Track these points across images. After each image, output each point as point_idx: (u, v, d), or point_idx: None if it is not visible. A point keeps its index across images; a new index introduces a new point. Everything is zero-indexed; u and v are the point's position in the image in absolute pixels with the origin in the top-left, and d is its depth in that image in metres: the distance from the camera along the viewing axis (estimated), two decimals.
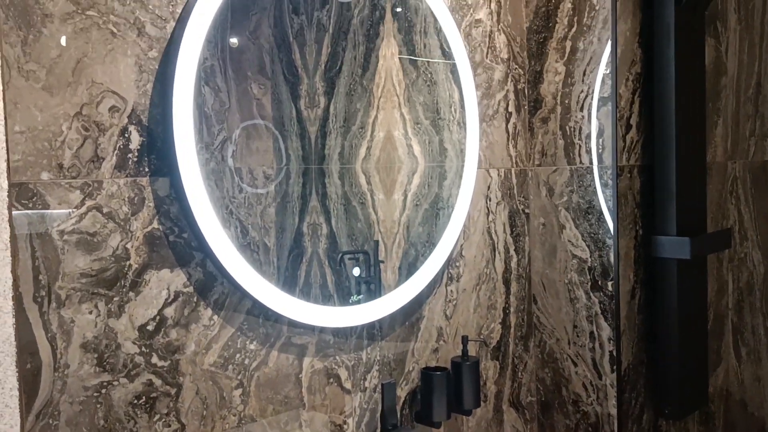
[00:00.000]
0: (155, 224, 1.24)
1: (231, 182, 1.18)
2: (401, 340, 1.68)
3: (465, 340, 1.71)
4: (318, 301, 1.44)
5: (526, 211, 2.00)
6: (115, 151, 1.19)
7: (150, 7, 1.22)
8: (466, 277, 1.84)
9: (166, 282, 1.26)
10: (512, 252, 1.97)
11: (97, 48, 1.16)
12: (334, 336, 1.54)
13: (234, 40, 1.16)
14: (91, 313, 1.16)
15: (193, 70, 1.21)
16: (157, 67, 1.23)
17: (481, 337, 1.88)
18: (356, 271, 1.55)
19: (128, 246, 1.21)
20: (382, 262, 1.52)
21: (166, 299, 1.26)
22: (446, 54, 1.60)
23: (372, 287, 1.53)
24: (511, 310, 1.97)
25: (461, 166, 1.71)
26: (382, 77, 1.35)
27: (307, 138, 1.23)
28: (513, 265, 1.97)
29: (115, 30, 1.18)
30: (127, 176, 1.20)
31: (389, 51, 1.37)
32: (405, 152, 1.44)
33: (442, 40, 1.58)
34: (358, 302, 1.54)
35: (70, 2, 1.12)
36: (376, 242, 1.43)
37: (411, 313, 1.70)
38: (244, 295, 1.36)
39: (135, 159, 1.21)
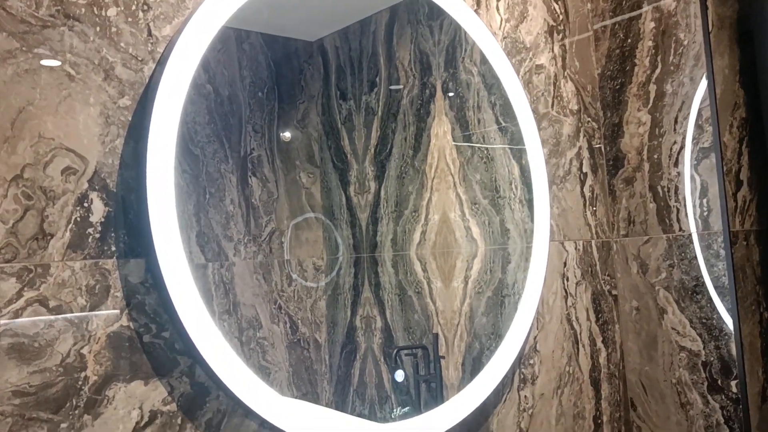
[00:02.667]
0: (124, 321, 0.94)
1: (280, 275, 1.08)
2: None
3: None
4: (349, 407, 1.11)
5: (614, 292, 1.62)
6: (70, 226, 0.91)
7: (122, 45, 0.96)
8: (543, 378, 1.45)
9: (137, 399, 0.94)
10: (599, 344, 1.58)
11: (48, 94, 0.90)
12: None
13: (284, 133, 1.13)
14: None
15: (176, 119, 0.94)
16: (130, 118, 0.97)
17: None
18: (399, 376, 1.20)
19: (84, 351, 0.90)
20: (443, 357, 1.29)
21: (138, 423, 0.94)
22: (502, 125, 1.44)
23: (433, 386, 1.25)
24: (604, 419, 1.56)
25: (527, 245, 1.38)
26: (434, 157, 1.32)
27: (357, 225, 1.20)
28: (602, 360, 1.57)
29: (72, 72, 0.92)
30: (85, 258, 0.91)
31: (441, 129, 1.34)
32: (463, 235, 1.35)
33: (497, 111, 1.44)
34: (404, 415, 1.18)
35: (13, 38, 0.88)
36: (436, 335, 1.29)
37: (475, 427, 1.33)
38: (248, 412, 1.03)
39: (97, 235, 0.93)
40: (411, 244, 1.28)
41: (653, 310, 1.56)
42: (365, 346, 1.21)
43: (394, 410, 1.19)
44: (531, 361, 1.44)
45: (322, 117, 1.16)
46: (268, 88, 1.10)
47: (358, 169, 1.20)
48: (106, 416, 0.92)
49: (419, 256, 1.29)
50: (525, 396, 1.42)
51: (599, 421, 1.55)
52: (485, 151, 1.40)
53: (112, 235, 0.95)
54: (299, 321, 1.09)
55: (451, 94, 1.36)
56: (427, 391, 1.23)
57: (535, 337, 1.46)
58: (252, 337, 1.02)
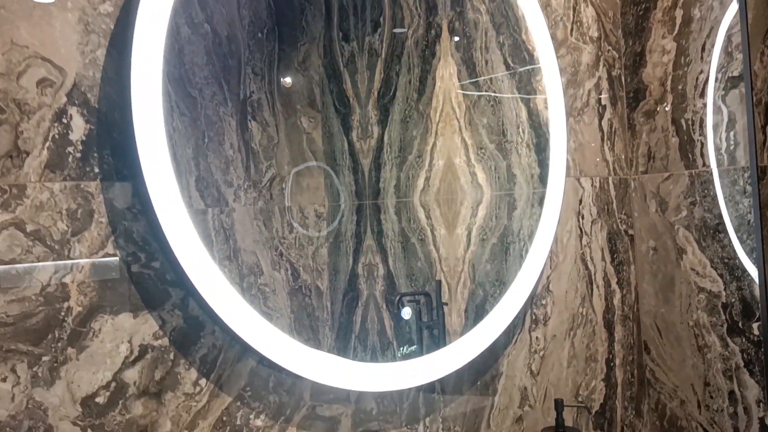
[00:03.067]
0: (110, 248, 0.87)
1: (281, 222, 1.04)
2: (472, 407, 1.24)
3: (560, 406, 1.26)
4: (351, 353, 1.05)
5: (630, 232, 1.54)
6: (47, 143, 0.83)
7: None
8: (555, 320, 1.39)
9: (126, 332, 0.88)
10: (614, 286, 1.51)
11: None
12: (377, 404, 1.11)
13: (285, 79, 1.07)
14: (5, 380, 0.79)
15: (163, 28, 0.85)
16: (112, 27, 0.88)
17: (581, 401, 1.42)
18: (406, 313, 1.14)
19: (66, 280, 0.83)
20: (446, 304, 1.26)
21: (127, 357, 0.88)
22: (510, 66, 1.36)
23: (435, 333, 1.21)
24: (617, 362, 1.50)
25: (534, 190, 1.31)
26: (439, 100, 1.28)
27: (360, 172, 1.18)
28: (616, 302, 1.51)
29: None
30: (65, 179, 0.84)
31: (447, 71, 1.29)
32: (468, 181, 1.32)
33: (505, 52, 1.36)
34: (409, 355, 1.12)
35: None
36: (439, 282, 1.27)
37: (484, 368, 1.27)
38: (246, 349, 0.96)
39: (78, 155, 0.85)
40: (414, 190, 1.25)
41: (671, 250, 1.49)
42: (367, 293, 1.19)
43: (400, 349, 1.13)
44: (543, 302, 1.38)
45: (324, 59, 1.13)
46: (268, 29, 1.06)
47: (360, 113, 1.18)
48: (91, 350, 0.85)
49: (423, 202, 1.27)
50: (536, 337, 1.36)
51: (612, 364, 1.49)
52: (492, 94, 1.35)
53: (95, 155, 0.86)
54: (300, 268, 1.05)
55: (456, 38, 1.30)
56: (430, 338, 1.20)
57: (548, 277, 1.39)
58: (253, 284, 0.98)
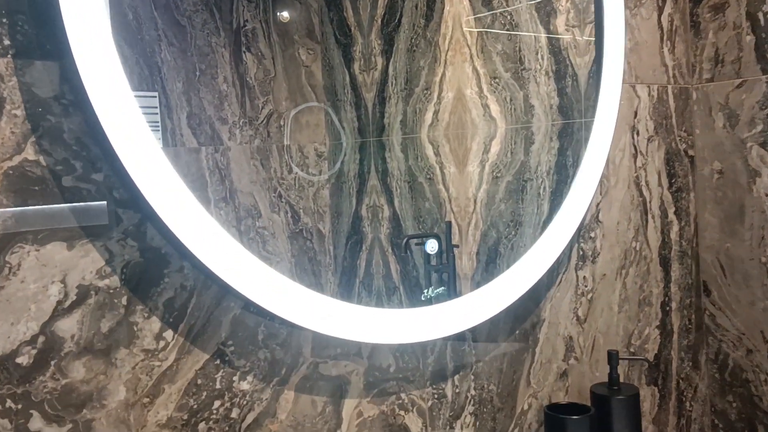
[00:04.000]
0: (29, 153, 0.63)
1: (279, 161, 1.00)
2: (509, 361, 1.02)
3: (614, 358, 1.04)
4: (364, 299, 0.84)
5: (690, 152, 1.30)
6: None
7: None
8: (605, 256, 1.16)
9: (57, 268, 0.64)
10: (671, 216, 1.27)
11: None
12: (396, 359, 0.89)
13: (282, 13, 0.98)
14: None
15: None
16: None
17: (632, 351, 1.20)
18: (432, 246, 0.91)
19: None
20: (456, 246, 1.18)
21: (60, 302, 0.65)
22: None
23: (444, 277, 1.09)
24: (673, 306, 1.28)
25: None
26: (449, 26, 1.21)
27: (363, 107, 1.13)
28: (673, 236, 1.28)
29: None
30: None
31: None
32: (480, 114, 1.23)
33: None
34: (433, 299, 0.90)
35: None
36: (449, 223, 1.21)
37: (523, 314, 1.04)
38: (226, 290, 0.73)
39: None
40: (422, 125, 1.20)
41: (741, 172, 1.24)
42: (372, 236, 1.14)
43: (426, 291, 0.90)
44: (592, 234, 1.14)
45: None
46: None
47: (363, 43, 1.13)
48: (8, 292, 0.62)
49: (431, 138, 1.21)
50: (584, 277, 1.13)
51: (668, 308, 1.27)
52: (508, 17, 1.26)
53: (3, 21, 0.61)
54: (301, 210, 0.99)
55: None
56: (438, 282, 1.10)
57: (597, 205, 1.15)
58: (251, 227, 0.90)
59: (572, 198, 1.08)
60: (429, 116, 1.20)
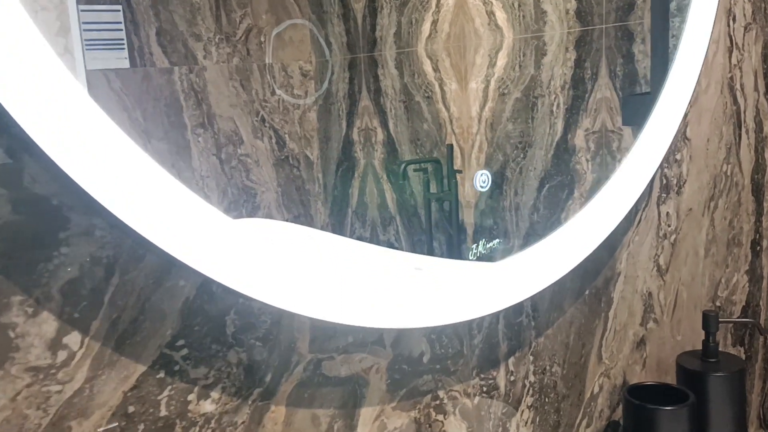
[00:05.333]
0: None
1: (261, 82, 0.89)
2: (577, 332, 0.76)
3: (712, 323, 0.78)
4: (348, 231, 0.64)
5: None
6: None
7: None
8: (692, 185, 0.89)
9: None
10: (767, 130, 0.99)
11: None
12: (431, 345, 0.62)
13: None
14: None
15: None
16: None
17: (719, 305, 0.94)
18: (482, 180, 0.65)
19: None
20: (459, 171, 1.08)
21: None
22: None
23: (446, 206, 0.98)
24: (764, 245, 1.01)
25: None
26: None
27: (351, 18, 1.00)
28: (767, 155, 1.00)
29: None
30: None
31: None
32: (484, 23, 1.13)
33: None
34: (489, 254, 0.63)
35: None
36: (450, 147, 1.10)
37: (594, 269, 0.77)
38: (170, 262, 0.45)
39: None
40: (419, 38, 1.12)
41: None
42: (364, 162, 1.07)
43: (476, 246, 0.62)
44: (677, 156, 0.86)
45: None
46: None
47: None
48: None
49: (429, 52, 1.14)
50: (667, 213, 0.86)
51: (758, 247, 1.00)
52: None
53: None
54: (286, 135, 0.96)
55: None
56: (440, 211, 0.97)
57: (685, 116, 0.86)
58: (233, 155, 0.86)
59: (660, 108, 0.79)
60: (426, 27, 1.07)
